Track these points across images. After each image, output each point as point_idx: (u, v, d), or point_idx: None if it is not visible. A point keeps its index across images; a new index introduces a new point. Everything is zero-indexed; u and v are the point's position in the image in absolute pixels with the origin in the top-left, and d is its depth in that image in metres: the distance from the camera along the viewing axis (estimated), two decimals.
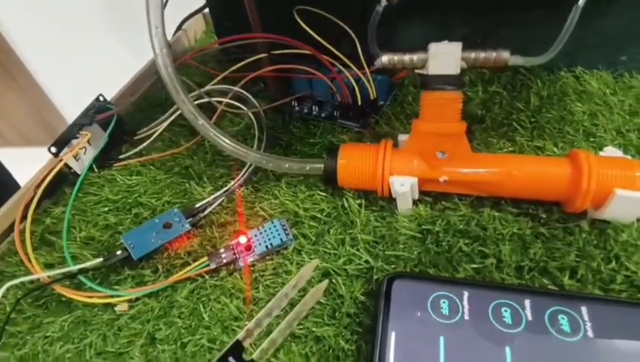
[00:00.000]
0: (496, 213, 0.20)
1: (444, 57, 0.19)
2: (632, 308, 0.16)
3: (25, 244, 0.22)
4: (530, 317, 0.16)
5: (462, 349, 0.15)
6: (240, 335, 0.16)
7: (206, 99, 0.27)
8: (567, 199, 0.19)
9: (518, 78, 0.28)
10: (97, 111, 0.27)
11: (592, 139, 0.24)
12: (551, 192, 0.19)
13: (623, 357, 0.14)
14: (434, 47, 0.19)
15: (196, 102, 0.28)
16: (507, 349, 0.15)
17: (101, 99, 0.28)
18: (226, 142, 0.22)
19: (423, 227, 0.20)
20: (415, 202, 0.22)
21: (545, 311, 0.16)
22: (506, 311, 0.16)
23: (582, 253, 0.18)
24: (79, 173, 0.26)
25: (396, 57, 0.20)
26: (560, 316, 0.16)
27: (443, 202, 0.21)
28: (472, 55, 0.19)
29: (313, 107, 0.28)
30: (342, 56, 0.26)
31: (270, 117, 0.28)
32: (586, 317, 0.15)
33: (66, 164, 0.25)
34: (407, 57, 0.20)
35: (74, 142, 0.26)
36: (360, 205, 0.22)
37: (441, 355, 0.15)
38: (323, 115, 0.28)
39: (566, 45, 0.28)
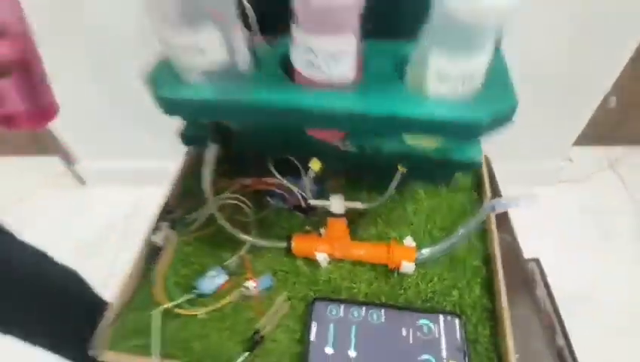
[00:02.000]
0: (361, 268, 0.47)
1: (336, 203, 0.45)
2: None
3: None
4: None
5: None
6: (258, 325, 0.41)
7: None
8: (388, 263, 0.46)
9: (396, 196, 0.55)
10: None
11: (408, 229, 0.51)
12: (382, 260, 0.46)
13: None
14: (332, 198, 0.45)
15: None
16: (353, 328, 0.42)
17: None
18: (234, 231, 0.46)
19: (331, 276, 0.46)
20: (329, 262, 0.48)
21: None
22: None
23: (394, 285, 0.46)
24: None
25: (318, 202, 0.46)
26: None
27: (340, 264, 0.48)
28: (346, 203, 0.45)
29: (282, 203, 0.53)
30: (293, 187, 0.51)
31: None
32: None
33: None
34: (320, 202, 0.46)
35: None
36: (306, 264, 0.47)
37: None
38: (287, 206, 0.53)
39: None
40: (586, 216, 1.26)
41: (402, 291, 0.45)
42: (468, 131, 0.32)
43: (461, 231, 0.47)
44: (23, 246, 0.60)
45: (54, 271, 0.64)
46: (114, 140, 1.20)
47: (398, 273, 0.46)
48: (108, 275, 0.95)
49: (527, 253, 1.16)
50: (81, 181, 1.36)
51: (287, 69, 0.37)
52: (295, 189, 0.51)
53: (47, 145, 1.31)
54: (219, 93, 0.34)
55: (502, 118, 0.32)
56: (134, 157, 1.25)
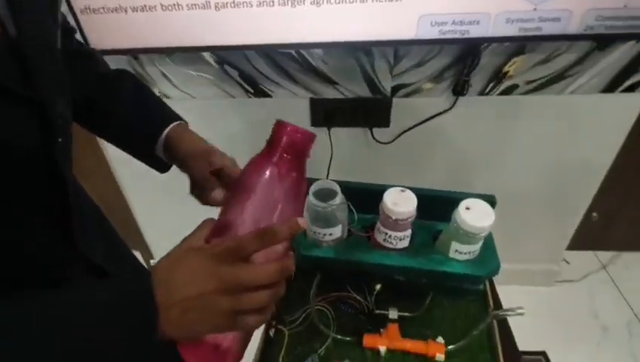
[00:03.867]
0: (409, 356, 0.71)
1: (393, 313, 0.70)
2: None
3: None
4: None
5: None
6: None
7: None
8: (427, 355, 0.70)
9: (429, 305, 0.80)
10: None
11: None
12: (422, 351, 0.70)
13: None
14: (391, 309, 0.71)
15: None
16: None
17: None
18: None
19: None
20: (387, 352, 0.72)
21: None
22: None
23: None
24: None
25: (380, 311, 0.71)
26: None
27: (395, 354, 0.71)
28: (399, 312, 0.70)
29: (351, 309, 0.79)
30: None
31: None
32: None
33: None
34: (381, 311, 0.71)
35: None
36: (372, 354, 0.71)
37: None
38: (355, 312, 0.78)
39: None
40: (584, 312, 1.46)
41: None
42: (472, 282, 0.60)
43: (474, 333, 0.72)
44: None
45: None
46: None
47: (434, 360, 0.69)
48: None
49: (535, 347, 1.36)
50: None
51: (368, 235, 0.65)
52: (362, 300, 0.77)
53: (131, 240, 1.61)
54: (334, 253, 0.63)
55: (492, 273, 0.60)
56: None
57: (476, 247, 0.59)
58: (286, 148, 0.38)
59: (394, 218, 0.57)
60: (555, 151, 1.18)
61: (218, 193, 0.49)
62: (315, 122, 1.15)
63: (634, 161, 1.31)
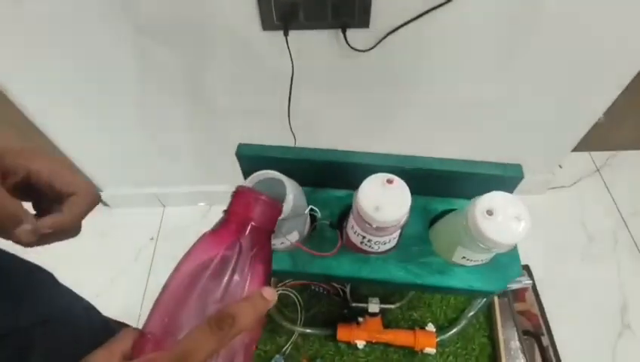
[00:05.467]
0: (391, 350, 0.59)
1: (373, 306, 0.56)
2: None
3: None
4: None
5: None
6: None
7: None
8: (414, 347, 0.58)
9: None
10: None
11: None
12: (409, 344, 0.58)
13: None
14: (370, 302, 0.56)
15: None
16: None
17: None
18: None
19: (368, 358, 0.58)
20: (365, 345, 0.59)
21: None
22: None
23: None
24: None
25: (357, 304, 0.56)
26: None
27: (375, 347, 0.59)
28: (380, 305, 0.56)
29: (322, 290, 0.64)
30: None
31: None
32: None
33: None
34: (359, 304, 0.56)
35: None
36: (347, 347, 0.59)
37: None
38: (328, 293, 0.64)
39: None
40: (572, 221, 1.39)
41: None
42: (484, 295, 0.43)
43: (469, 314, 0.59)
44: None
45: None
46: (136, 171, 1.28)
47: (422, 352, 0.58)
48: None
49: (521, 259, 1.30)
50: (106, 204, 1.44)
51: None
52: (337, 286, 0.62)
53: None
54: (289, 265, 0.44)
55: (509, 282, 0.43)
56: (153, 184, 1.33)
57: (491, 255, 0.40)
58: (251, 220, 0.29)
59: (375, 226, 0.37)
60: (584, 43, 0.91)
61: (26, 230, 0.25)
62: (267, 24, 0.84)
63: None
